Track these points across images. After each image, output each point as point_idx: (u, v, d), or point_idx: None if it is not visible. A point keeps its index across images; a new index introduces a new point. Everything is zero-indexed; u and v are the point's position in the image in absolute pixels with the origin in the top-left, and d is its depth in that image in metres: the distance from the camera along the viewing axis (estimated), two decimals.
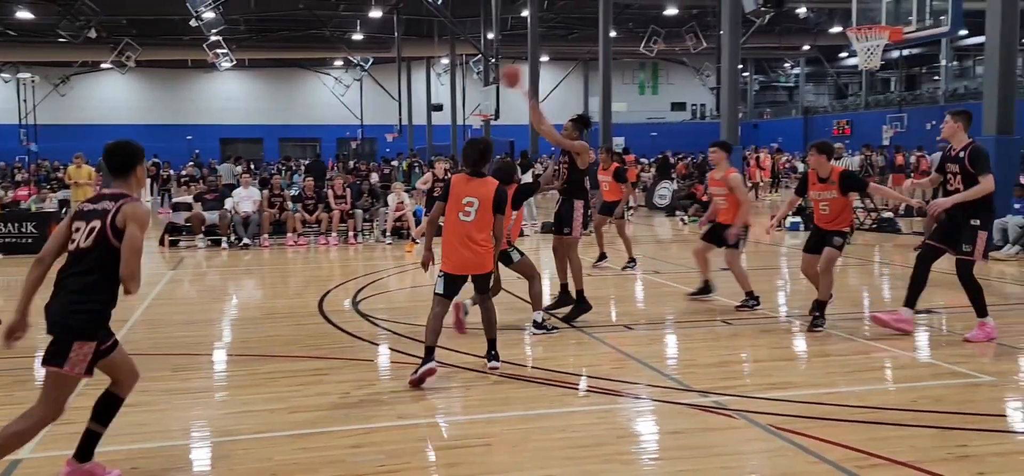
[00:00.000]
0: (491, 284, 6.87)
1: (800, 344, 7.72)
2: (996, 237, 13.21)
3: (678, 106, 63.51)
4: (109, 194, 4.23)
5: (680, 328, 8.37)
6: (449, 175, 11.48)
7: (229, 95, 58.70)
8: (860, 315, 8.89)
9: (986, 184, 7.40)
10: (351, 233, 16.52)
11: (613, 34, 32.34)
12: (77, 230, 4.16)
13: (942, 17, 13.33)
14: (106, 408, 4.37)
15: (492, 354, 6.67)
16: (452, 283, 6.52)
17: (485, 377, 6.46)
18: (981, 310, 7.51)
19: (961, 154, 7.62)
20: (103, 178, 15.25)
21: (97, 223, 4.11)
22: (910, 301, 7.72)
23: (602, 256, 12.54)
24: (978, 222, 7.47)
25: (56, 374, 4.07)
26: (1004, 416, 5.55)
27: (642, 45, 39.59)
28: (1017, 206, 13.25)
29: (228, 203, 16.42)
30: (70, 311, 4.05)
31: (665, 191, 23.85)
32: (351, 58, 48.29)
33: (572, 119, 8.73)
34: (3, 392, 6.28)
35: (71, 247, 4.17)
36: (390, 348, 7.56)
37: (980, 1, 14.27)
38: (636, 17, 45.55)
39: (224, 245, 15.80)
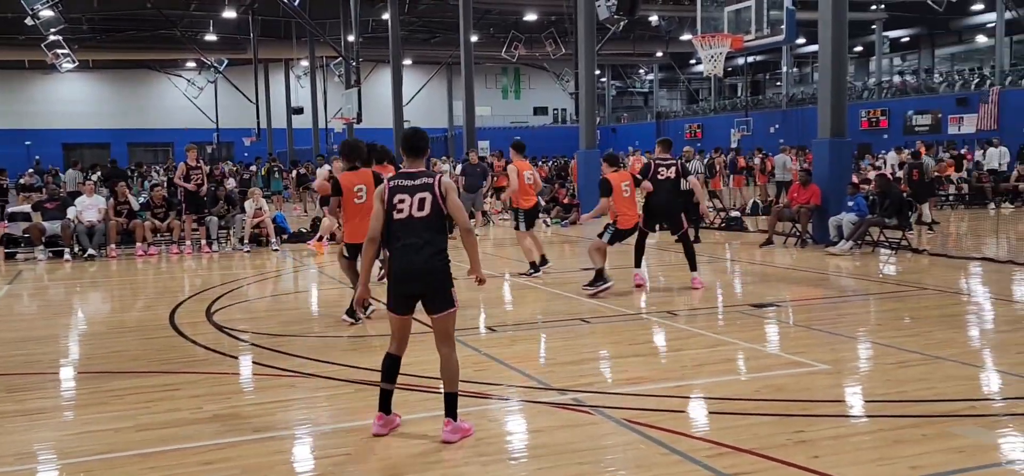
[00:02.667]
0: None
1: (656, 340, 8.01)
2: (832, 233, 14.15)
3: (540, 110, 64.66)
4: (417, 172, 5.09)
5: (543, 328, 8.52)
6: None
7: (72, 98, 55.41)
8: (711, 309, 9.31)
9: None
10: (204, 241, 15.93)
11: (475, 39, 32.58)
12: (401, 202, 4.99)
13: (779, 26, 14.16)
14: (394, 369, 5.24)
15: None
16: None
17: (347, 386, 6.38)
18: None
19: None
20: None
21: (427, 195, 5.00)
22: None
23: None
24: None
25: (452, 314, 5.12)
26: (838, 402, 5.94)
27: (503, 50, 40.08)
28: (850, 204, 14.21)
29: (71, 212, 15.50)
30: (439, 263, 5.00)
31: None
32: (204, 59, 46.50)
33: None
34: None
35: (400, 217, 4.99)
36: (252, 361, 7.34)
37: (814, 12, 15.23)
38: (497, 22, 46.08)
39: (67, 256, 14.91)
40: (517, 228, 12.08)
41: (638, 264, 10.80)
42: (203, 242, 15.94)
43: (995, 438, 5.00)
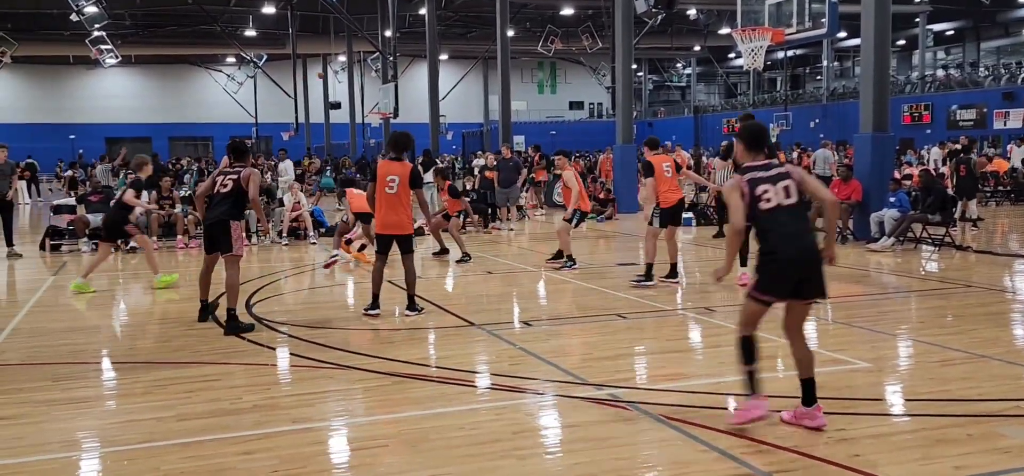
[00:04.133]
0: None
1: (693, 336, 7.95)
2: (873, 229, 13.93)
3: (576, 105, 64.46)
4: (767, 163, 5.14)
5: (579, 323, 8.50)
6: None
7: (115, 93, 56.43)
8: None
9: None
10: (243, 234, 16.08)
11: (511, 33, 32.59)
12: (766, 193, 4.99)
13: (821, 19, 13.96)
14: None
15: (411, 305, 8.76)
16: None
17: (384, 378, 6.42)
18: None
19: None
20: None
21: (790, 182, 5.03)
22: None
23: (443, 250, 13.75)
24: None
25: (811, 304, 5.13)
26: (879, 400, 5.85)
27: (540, 44, 40.01)
28: (892, 200, 13.98)
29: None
30: (818, 248, 5.03)
31: None
32: (244, 55, 47.03)
33: None
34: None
35: (768, 206, 4.99)
36: (290, 352, 7.41)
37: (856, 5, 14.99)
38: (533, 17, 46.04)
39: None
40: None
41: (743, 263, 9.95)
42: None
43: None
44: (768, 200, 5.00)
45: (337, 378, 6.49)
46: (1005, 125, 35.99)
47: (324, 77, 49.79)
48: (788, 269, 4.97)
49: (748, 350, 5.10)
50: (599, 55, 43.65)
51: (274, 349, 7.53)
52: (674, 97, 68.34)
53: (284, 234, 16.09)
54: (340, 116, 49.22)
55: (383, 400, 5.94)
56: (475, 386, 6.29)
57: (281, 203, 17.11)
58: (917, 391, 5.94)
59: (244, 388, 6.19)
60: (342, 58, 50.24)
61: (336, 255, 12.63)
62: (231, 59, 53.27)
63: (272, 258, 14.22)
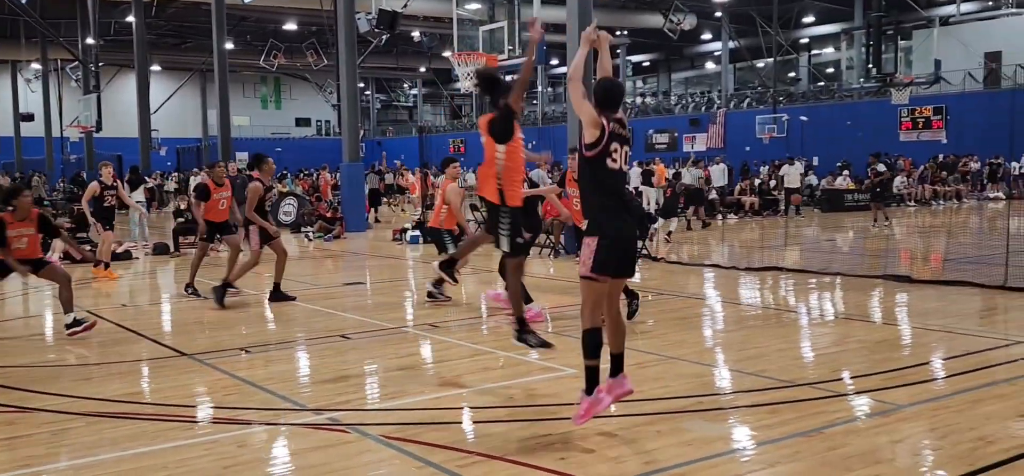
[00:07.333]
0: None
1: (416, 353, 8.03)
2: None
3: (303, 122, 63.09)
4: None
5: (300, 347, 8.28)
6: (116, 182, 13.79)
7: None
8: (475, 320, 9.49)
9: None
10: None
11: (230, 46, 31.28)
12: (615, 150, 5.03)
13: None
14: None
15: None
16: None
17: (77, 419, 5.84)
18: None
19: None
20: None
21: (628, 150, 5.19)
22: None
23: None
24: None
25: None
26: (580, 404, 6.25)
27: (262, 59, 38.75)
28: None
29: None
30: None
31: (290, 208, 23.51)
32: None
33: None
34: None
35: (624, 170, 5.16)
36: None
37: (565, 35, 16.06)
38: (254, 30, 44.53)
39: None
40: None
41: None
42: None
43: (721, 430, 5.48)
44: (615, 160, 4.98)
45: (19, 423, 5.80)
46: (692, 148, 40.28)
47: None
48: (617, 245, 5.13)
49: (596, 345, 5.18)
50: (325, 72, 43.10)
51: None
52: (402, 116, 69.06)
53: None
54: (34, 129, 44.37)
55: (74, 444, 5.39)
56: (183, 420, 5.90)
57: None
58: None
59: None
60: (36, 65, 45.36)
61: (83, 321, 8.75)
62: None
63: None
